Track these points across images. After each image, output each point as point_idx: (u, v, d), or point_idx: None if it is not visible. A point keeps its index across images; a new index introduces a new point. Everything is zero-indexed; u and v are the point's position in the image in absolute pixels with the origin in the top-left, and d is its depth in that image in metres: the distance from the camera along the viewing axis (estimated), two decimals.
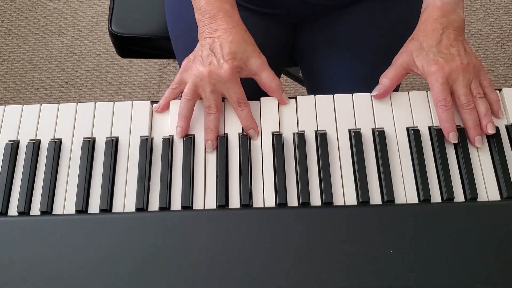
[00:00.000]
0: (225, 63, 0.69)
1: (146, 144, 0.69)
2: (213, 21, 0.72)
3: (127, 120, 0.72)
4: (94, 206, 0.66)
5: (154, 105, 0.73)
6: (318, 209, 0.65)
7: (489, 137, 0.70)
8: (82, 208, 0.65)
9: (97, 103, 0.73)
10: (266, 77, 0.72)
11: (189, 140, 0.70)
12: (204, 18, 0.73)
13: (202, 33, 0.73)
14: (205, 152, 0.70)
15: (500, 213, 0.63)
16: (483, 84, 0.72)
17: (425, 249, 0.61)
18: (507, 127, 0.71)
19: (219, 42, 0.71)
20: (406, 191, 0.67)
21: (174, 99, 0.73)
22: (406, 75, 0.74)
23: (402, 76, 0.73)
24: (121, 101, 0.74)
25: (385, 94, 0.72)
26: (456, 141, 0.69)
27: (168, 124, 0.72)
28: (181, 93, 0.73)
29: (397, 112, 0.72)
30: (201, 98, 0.72)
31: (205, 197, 0.67)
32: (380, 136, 0.69)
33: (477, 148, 0.69)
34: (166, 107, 0.73)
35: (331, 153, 0.69)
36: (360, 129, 0.70)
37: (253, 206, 0.66)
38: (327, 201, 0.65)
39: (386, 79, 0.73)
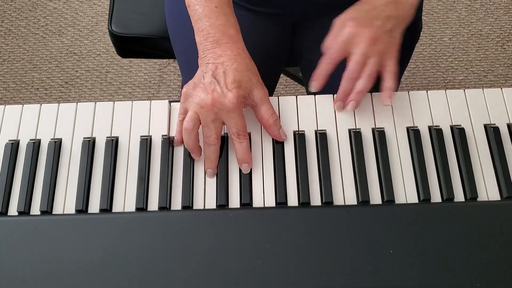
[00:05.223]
0: (229, 92, 0.65)
1: (146, 144, 0.69)
2: (217, 45, 0.68)
3: (127, 120, 0.72)
4: (94, 206, 0.66)
5: (176, 112, 0.70)
6: (318, 209, 0.65)
7: (489, 137, 0.70)
8: (82, 208, 0.65)
9: (97, 102, 0.73)
10: (265, 111, 0.68)
11: None
12: (206, 42, 0.68)
13: (203, 58, 0.68)
14: None
15: (500, 213, 0.63)
16: (385, 67, 0.71)
17: (425, 249, 0.61)
18: (508, 126, 0.71)
19: (223, 69, 0.66)
20: (406, 191, 0.67)
21: None
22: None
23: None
24: (121, 101, 0.73)
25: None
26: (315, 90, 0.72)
27: (166, 125, 0.72)
28: None
29: (397, 112, 0.72)
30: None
31: (205, 197, 0.67)
32: (380, 136, 0.69)
33: (477, 147, 0.69)
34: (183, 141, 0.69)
35: (331, 153, 0.69)
36: (360, 129, 0.70)
37: (253, 206, 0.66)
38: (327, 200, 0.65)
39: None
